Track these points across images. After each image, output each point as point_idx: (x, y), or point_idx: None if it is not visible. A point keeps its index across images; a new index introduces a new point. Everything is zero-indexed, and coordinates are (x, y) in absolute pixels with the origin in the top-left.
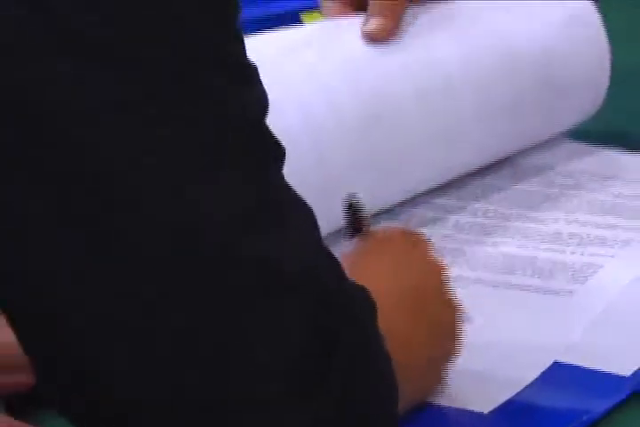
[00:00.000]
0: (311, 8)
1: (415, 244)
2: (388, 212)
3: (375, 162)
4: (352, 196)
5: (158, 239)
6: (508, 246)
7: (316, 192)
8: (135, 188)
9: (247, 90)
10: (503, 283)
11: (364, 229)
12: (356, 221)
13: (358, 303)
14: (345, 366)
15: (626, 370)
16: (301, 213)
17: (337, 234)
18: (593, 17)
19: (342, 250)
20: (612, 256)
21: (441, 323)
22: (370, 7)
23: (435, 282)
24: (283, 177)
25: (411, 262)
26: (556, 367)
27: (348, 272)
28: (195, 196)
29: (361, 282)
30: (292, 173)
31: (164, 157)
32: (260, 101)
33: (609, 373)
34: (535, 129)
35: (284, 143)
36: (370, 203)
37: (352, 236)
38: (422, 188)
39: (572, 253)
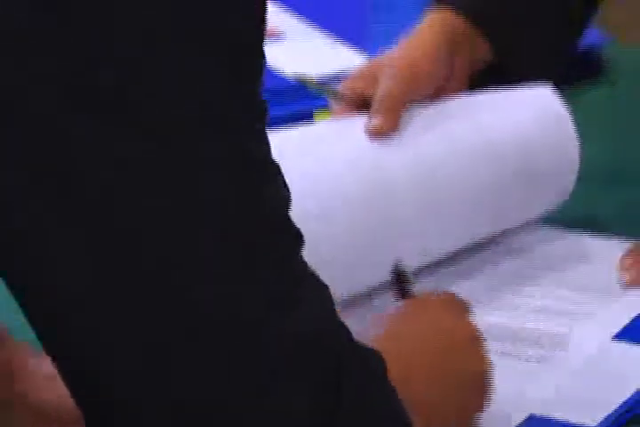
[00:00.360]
0: (323, 106)
1: (452, 307)
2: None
3: (373, 240)
4: (399, 262)
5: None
6: (490, 317)
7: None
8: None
9: (274, 187)
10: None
11: (409, 292)
12: (402, 285)
13: (369, 364)
14: (353, 422)
15: (593, 421)
16: (318, 290)
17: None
18: (565, 116)
19: (383, 310)
20: (581, 326)
21: (469, 381)
22: (372, 107)
23: (464, 340)
24: (304, 262)
25: (444, 324)
26: (532, 420)
27: (389, 331)
28: (228, 291)
29: (398, 341)
30: (309, 255)
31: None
32: (284, 197)
33: (579, 424)
34: (512, 214)
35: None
36: (370, 279)
37: (398, 298)
38: (415, 264)
39: (546, 323)
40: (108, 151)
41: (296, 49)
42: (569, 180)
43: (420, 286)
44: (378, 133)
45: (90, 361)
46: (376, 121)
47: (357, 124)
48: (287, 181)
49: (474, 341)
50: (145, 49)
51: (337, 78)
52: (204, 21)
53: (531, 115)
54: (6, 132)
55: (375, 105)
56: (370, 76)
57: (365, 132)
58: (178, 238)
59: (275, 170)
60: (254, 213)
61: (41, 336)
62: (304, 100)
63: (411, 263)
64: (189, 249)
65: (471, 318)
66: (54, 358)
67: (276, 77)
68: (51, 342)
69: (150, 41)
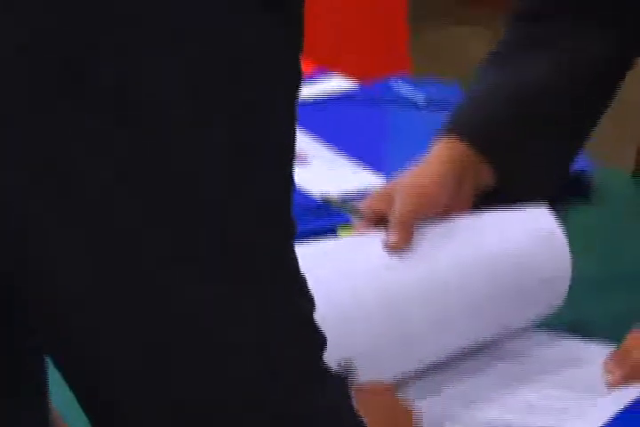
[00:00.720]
0: (346, 223)
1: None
2: None
3: (386, 348)
4: (348, 359)
5: None
6: (487, 413)
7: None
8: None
9: (304, 300)
10: None
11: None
12: (349, 377)
13: None
14: None
15: None
16: (333, 381)
17: None
18: (559, 234)
19: None
20: (573, 422)
21: None
22: (389, 224)
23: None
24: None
25: (384, 407)
26: None
27: None
28: (226, 290)
29: None
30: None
31: None
32: (311, 307)
33: None
34: (509, 322)
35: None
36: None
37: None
38: (421, 366)
39: (542, 420)
40: (109, 151)
41: (321, 171)
42: (562, 289)
43: (418, 388)
44: (394, 248)
45: (90, 361)
46: (392, 238)
47: (376, 241)
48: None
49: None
50: (145, 49)
51: (358, 198)
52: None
53: (528, 234)
54: (6, 132)
55: (391, 223)
56: (386, 197)
57: (383, 247)
58: (177, 238)
59: (304, 283)
60: (252, 211)
61: (42, 336)
62: (329, 218)
63: (414, 367)
64: (189, 249)
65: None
66: (54, 358)
67: (304, 197)
68: (51, 341)
69: (148, 46)
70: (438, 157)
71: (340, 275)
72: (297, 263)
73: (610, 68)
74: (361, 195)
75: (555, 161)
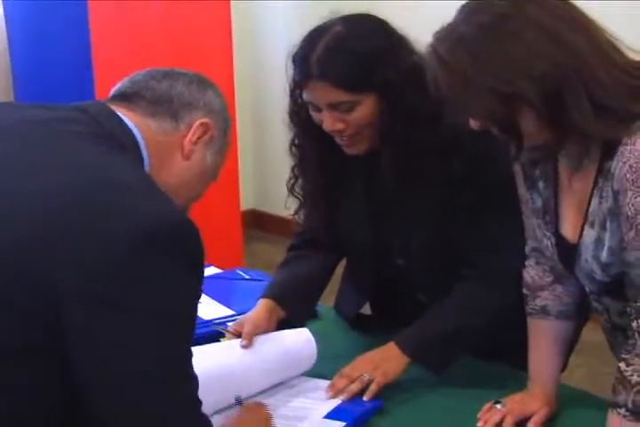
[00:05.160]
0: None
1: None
2: None
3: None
4: (238, 396)
5: None
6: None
7: None
8: None
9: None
10: None
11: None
12: (240, 404)
13: None
14: None
15: None
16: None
17: None
18: (311, 339)
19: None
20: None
21: None
22: (242, 336)
23: None
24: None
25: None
26: None
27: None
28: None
29: None
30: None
31: None
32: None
33: None
34: (280, 378)
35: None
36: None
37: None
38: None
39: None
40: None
41: (205, 308)
42: (311, 363)
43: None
44: (244, 347)
45: None
46: (244, 343)
47: (234, 344)
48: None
49: None
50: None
51: (226, 322)
52: None
53: (295, 339)
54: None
55: (244, 335)
56: (241, 324)
57: (241, 346)
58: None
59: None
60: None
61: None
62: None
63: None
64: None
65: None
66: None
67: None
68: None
69: None
70: (263, 306)
71: (208, 358)
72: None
73: None
74: (227, 321)
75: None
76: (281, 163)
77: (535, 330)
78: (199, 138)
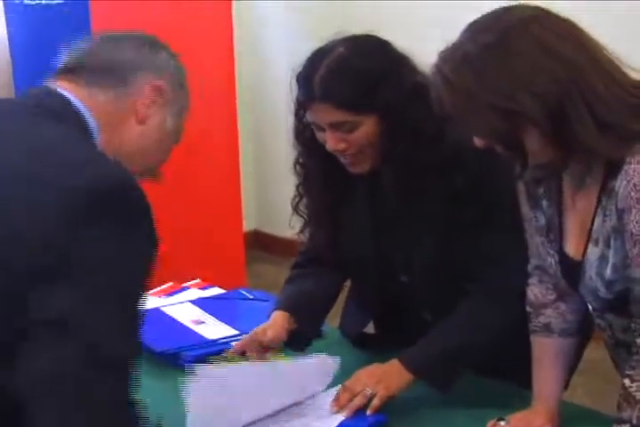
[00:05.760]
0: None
1: None
2: None
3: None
4: None
5: None
6: None
7: None
8: None
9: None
10: None
11: None
12: None
13: None
14: None
15: None
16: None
17: None
18: (331, 361)
19: None
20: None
21: None
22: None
23: None
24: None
25: None
26: None
27: None
28: None
29: None
30: None
31: None
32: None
33: None
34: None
35: None
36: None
37: None
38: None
39: None
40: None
41: (210, 327)
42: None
43: None
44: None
45: None
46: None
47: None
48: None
49: None
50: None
51: (229, 342)
52: None
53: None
54: None
55: (268, 341)
56: (246, 344)
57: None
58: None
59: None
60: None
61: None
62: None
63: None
64: None
65: None
66: None
67: (204, 339)
68: None
69: None
70: (280, 316)
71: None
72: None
73: None
74: (231, 340)
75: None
76: (284, 183)
77: (538, 347)
78: (153, 101)
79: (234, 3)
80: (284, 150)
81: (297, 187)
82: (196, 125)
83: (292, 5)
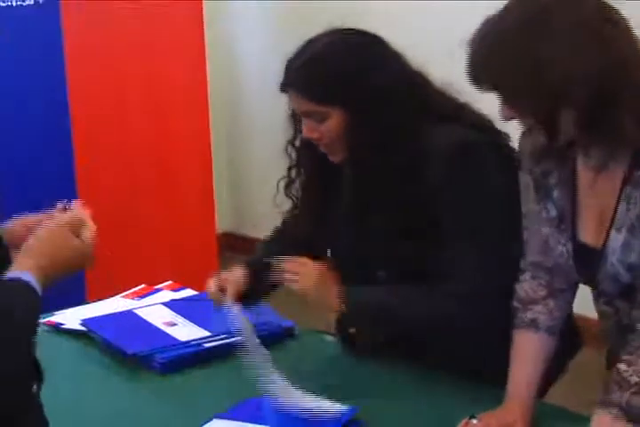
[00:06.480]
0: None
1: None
2: None
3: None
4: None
5: None
6: None
7: None
8: None
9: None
10: None
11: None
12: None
13: None
14: None
15: None
16: None
17: None
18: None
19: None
20: None
21: None
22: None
23: None
24: None
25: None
26: None
27: None
28: None
29: None
30: None
31: None
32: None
33: None
34: None
35: None
36: None
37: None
38: None
39: None
40: None
41: (183, 329)
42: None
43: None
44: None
45: None
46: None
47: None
48: None
49: None
50: None
51: (202, 344)
52: None
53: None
54: None
55: (228, 296)
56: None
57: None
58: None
59: None
60: None
61: None
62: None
63: None
64: None
65: None
66: None
67: (179, 342)
68: None
69: None
70: (242, 269)
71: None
72: None
73: None
74: (204, 342)
75: None
76: (257, 186)
77: (521, 342)
78: None
79: (204, 2)
80: (257, 153)
81: (288, 169)
82: (168, 128)
83: (265, 5)
